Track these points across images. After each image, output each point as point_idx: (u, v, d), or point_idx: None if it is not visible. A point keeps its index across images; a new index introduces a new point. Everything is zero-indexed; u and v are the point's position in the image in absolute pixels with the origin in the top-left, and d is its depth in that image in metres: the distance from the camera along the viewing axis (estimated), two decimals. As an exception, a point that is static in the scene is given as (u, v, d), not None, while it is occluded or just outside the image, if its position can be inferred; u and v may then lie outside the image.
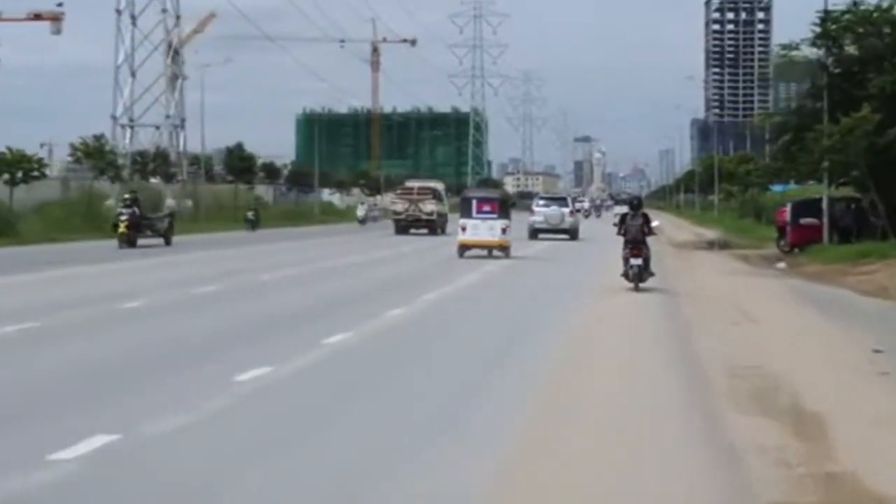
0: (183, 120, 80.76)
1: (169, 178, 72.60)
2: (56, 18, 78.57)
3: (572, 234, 48.28)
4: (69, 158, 67.10)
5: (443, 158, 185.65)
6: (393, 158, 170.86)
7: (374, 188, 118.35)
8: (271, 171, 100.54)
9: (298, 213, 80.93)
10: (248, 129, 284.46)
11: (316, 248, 39.84)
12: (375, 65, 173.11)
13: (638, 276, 21.92)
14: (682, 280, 25.77)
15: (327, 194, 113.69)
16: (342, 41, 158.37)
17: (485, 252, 32.85)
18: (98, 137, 65.23)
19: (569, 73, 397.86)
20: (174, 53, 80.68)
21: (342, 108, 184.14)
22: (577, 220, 50.99)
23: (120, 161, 67.60)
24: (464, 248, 33.16)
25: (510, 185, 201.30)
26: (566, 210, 50.03)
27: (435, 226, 52.70)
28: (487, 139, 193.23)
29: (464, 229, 33.37)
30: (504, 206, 34.21)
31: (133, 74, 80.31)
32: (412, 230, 52.42)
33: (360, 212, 75.16)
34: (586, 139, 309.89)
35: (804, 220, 37.05)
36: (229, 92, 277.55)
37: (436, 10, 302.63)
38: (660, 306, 19.59)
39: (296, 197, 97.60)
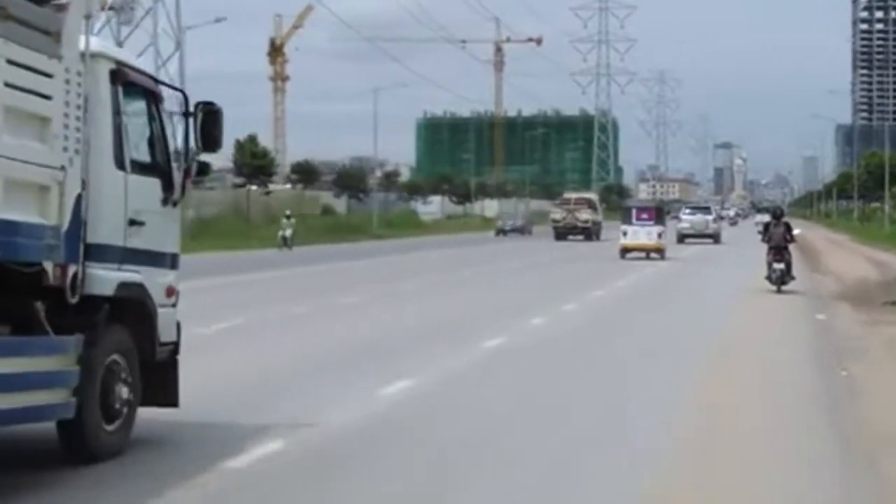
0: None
1: None
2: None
3: (715, 238, 59.30)
4: None
5: (570, 164, 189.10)
6: (517, 164, 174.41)
7: (464, 195, 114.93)
8: (306, 173, 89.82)
9: (350, 226, 68.98)
10: (370, 136, 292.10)
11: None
12: (499, 65, 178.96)
13: (780, 279, 26.16)
14: None
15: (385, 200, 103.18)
16: (463, 42, 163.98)
17: (643, 254, 40.68)
18: None
19: (705, 75, 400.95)
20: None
21: (465, 112, 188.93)
22: (719, 226, 63.29)
23: None
24: (625, 250, 41.37)
25: (644, 193, 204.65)
26: (710, 217, 61.44)
27: (590, 232, 62.79)
28: (617, 143, 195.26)
29: (625, 234, 41.75)
30: (660, 214, 42.94)
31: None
32: (570, 237, 62.34)
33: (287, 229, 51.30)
34: (726, 145, 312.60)
35: None
36: (354, 100, 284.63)
37: (559, 5, 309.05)
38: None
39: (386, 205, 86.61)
